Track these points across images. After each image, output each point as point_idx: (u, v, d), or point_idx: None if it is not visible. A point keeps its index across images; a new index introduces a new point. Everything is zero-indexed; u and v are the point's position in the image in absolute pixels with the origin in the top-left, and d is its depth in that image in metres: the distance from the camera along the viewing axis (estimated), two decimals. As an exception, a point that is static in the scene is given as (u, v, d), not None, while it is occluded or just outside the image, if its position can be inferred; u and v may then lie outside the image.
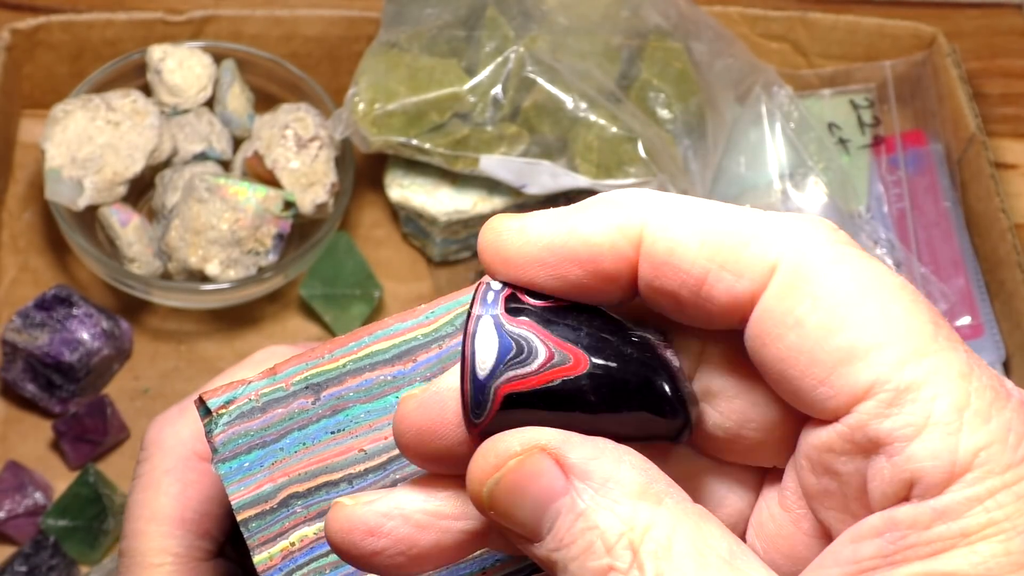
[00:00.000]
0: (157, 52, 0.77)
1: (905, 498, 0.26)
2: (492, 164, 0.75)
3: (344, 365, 0.34)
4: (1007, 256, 0.77)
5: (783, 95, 0.81)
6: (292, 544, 0.33)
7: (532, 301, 0.28)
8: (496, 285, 0.28)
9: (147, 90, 0.78)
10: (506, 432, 0.27)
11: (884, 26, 0.87)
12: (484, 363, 0.27)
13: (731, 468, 0.30)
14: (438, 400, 0.28)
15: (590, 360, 0.27)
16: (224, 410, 0.33)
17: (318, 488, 0.33)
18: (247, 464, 0.33)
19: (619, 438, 0.27)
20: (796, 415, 0.28)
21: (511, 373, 0.27)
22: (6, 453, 0.71)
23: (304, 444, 0.34)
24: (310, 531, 0.33)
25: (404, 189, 0.78)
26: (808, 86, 0.86)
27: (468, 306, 0.28)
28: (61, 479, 0.70)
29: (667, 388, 0.28)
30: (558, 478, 0.26)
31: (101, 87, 0.77)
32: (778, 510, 0.29)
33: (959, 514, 0.25)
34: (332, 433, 0.34)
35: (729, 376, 0.29)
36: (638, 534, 0.26)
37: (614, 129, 0.74)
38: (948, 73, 0.84)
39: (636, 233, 0.27)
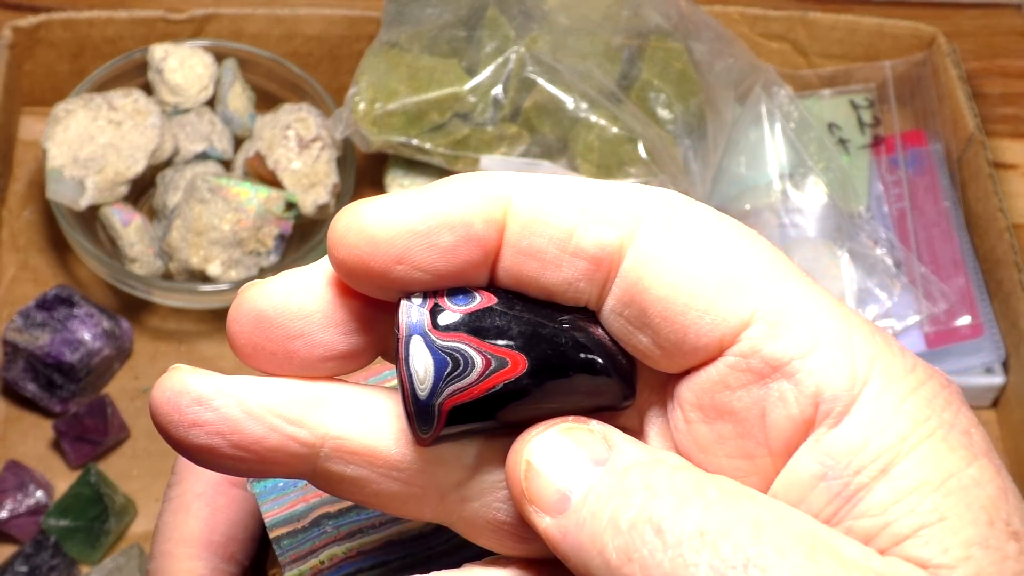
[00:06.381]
0: (159, 51, 0.77)
1: (812, 417, 0.26)
2: (492, 164, 0.75)
3: None
4: (1005, 256, 0.77)
5: (783, 95, 0.81)
6: (322, 562, 0.34)
7: (455, 307, 0.27)
8: (417, 299, 0.27)
9: (148, 89, 0.78)
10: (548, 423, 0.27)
11: (884, 26, 0.87)
12: (423, 384, 0.27)
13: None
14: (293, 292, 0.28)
15: (527, 358, 0.27)
16: None
17: (348, 509, 0.34)
18: (281, 484, 0.34)
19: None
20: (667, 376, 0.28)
21: (452, 388, 0.27)
22: (6, 453, 0.71)
23: None
24: (340, 550, 0.34)
25: (404, 189, 0.78)
26: (808, 86, 0.86)
27: (394, 329, 0.27)
28: (62, 479, 0.70)
29: (607, 366, 0.28)
30: (602, 448, 0.27)
31: (102, 86, 0.77)
32: None
33: (886, 426, 0.25)
34: None
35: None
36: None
37: (615, 129, 0.74)
38: (948, 73, 0.84)
39: (504, 200, 0.27)
